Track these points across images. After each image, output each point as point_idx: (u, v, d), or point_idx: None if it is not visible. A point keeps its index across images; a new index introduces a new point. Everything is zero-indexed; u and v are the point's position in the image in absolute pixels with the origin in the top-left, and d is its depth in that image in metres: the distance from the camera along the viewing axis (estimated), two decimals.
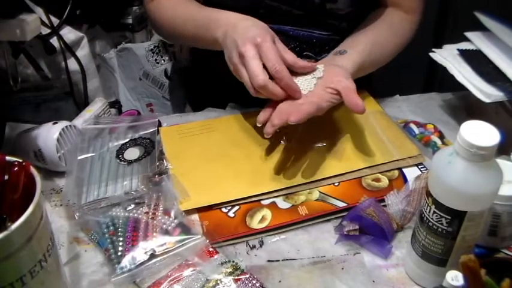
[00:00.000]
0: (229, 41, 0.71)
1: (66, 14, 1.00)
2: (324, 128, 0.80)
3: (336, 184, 0.71)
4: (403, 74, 0.83)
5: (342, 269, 0.60)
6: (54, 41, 0.98)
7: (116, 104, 1.14)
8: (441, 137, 0.81)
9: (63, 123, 0.75)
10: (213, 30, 0.75)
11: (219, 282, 0.57)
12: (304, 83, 0.71)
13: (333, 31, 0.87)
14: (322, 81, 0.72)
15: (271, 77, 0.67)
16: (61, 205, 0.71)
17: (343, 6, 0.84)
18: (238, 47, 0.68)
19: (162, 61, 1.34)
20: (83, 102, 1.03)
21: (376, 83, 0.98)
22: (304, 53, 0.87)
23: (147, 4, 0.91)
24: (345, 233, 0.63)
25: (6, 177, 0.50)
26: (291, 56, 0.71)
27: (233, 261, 0.60)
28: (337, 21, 0.86)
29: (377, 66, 0.85)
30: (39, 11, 0.91)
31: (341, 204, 0.68)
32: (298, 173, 0.72)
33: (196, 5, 0.84)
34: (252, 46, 0.67)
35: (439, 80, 1.57)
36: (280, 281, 0.59)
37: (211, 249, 0.62)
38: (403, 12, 0.86)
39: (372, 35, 0.83)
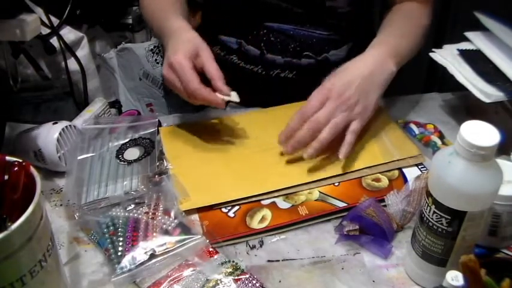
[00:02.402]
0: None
1: (66, 14, 1.00)
2: None
3: (336, 184, 0.71)
4: (403, 74, 0.83)
5: (342, 269, 0.60)
6: (54, 41, 0.98)
7: (116, 104, 1.14)
8: (441, 137, 0.81)
9: (63, 123, 0.75)
10: (162, 39, 0.79)
11: (219, 282, 0.57)
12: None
13: (333, 30, 0.87)
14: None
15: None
16: (61, 205, 0.71)
17: (343, 4, 0.84)
18: (163, 71, 0.73)
19: (162, 61, 1.34)
20: (83, 102, 1.03)
21: None
22: (304, 53, 0.88)
23: None
24: (345, 233, 0.63)
25: (6, 177, 0.50)
26: (212, 71, 0.71)
27: (233, 261, 0.60)
28: (337, 20, 0.86)
29: (410, 57, 0.83)
30: (39, 11, 0.91)
31: (341, 204, 0.68)
32: (298, 173, 0.72)
33: (166, 2, 0.84)
34: (169, 69, 0.71)
35: (439, 80, 1.57)
36: (280, 281, 0.59)
37: (211, 249, 0.61)
38: (417, 3, 0.87)
39: (397, 30, 0.82)
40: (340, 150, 0.71)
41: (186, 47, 0.71)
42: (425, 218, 0.54)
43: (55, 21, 0.97)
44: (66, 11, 1.00)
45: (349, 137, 0.71)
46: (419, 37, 0.84)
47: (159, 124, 0.82)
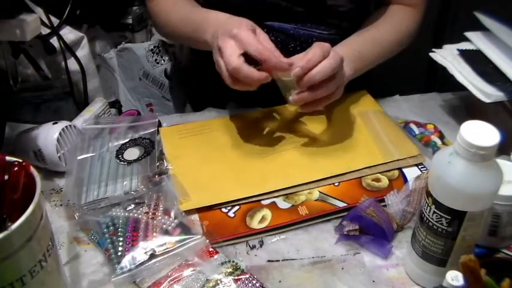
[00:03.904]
0: (215, 41, 0.70)
1: (66, 14, 1.00)
2: (324, 128, 0.80)
3: (336, 184, 0.71)
4: (403, 74, 0.83)
5: (342, 269, 0.60)
6: (54, 41, 0.98)
7: (116, 104, 1.15)
8: (441, 137, 0.81)
9: (63, 123, 0.75)
10: (203, 32, 0.76)
11: (219, 282, 0.57)
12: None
13: (333, 30, 0.87)
14: None
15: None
16: (61, 205, 0.71)
17: (344, 2, 0.84)
18: (218, 43, 0.68)
19: (162, 61, 1.34)
20: (83, 102, 1.03)
21: (376, 83, 0.98)
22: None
23: (148, 3, 0.91)
24: (345, 233, 0.63)
25: (6, 177, 0.50)
26: (272, 48, 0.68)
27: (233, 261, 0.60)
28: (338, 19, 0.86)
29: (377, 62, 0.85)
30: (39, 11, 0.91)
31: (341, 204, 0.68)
32: (298, 173, 0.72)
33: (191, 6, 0.84)
34: (229, 39, 0.67)
35: (439, 80, 1.57)
36: (280, 281, 0.59)
37: (211, 249, 0.62)
38: (405, 6, 0.87)
39: (370, 35, 0.84)
40: (302, 94, 0.68)
41: (243, 24, 0.69)
42: (425, 218, 0.54)
43: (55, 21, 0.97)
44: (66, 11, 1.00)
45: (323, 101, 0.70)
46: (397, 43, 0.85)
47: (159, 124, 0.82)
